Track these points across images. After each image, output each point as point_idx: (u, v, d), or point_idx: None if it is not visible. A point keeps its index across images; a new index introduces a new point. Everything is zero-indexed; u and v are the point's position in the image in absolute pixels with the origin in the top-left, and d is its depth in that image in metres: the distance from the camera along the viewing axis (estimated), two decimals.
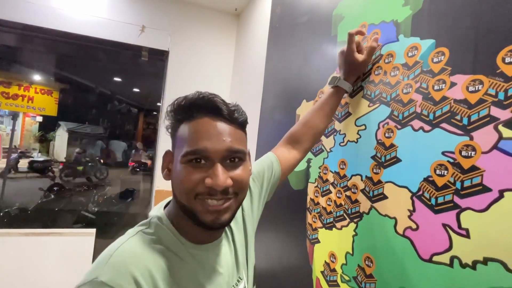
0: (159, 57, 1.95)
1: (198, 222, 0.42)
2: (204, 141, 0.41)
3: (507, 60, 0.45)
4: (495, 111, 0.46)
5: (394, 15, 0.68)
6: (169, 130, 0.47)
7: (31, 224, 3.09)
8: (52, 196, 3.84)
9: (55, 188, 4.05)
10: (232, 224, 0.55)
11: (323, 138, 0.90)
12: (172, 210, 0.47)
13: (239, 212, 0.59)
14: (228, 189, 0.41)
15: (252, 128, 1.50)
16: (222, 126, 0.42)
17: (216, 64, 1.99)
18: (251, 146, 1.50)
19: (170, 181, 0.46)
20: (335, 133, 0.84)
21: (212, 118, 0.42)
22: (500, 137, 0.45)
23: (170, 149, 0.48)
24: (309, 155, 0.95)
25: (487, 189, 0.46)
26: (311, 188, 0.93)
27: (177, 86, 1.90)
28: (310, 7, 1.07)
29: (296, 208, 0.99)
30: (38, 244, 1.62)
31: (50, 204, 3.65)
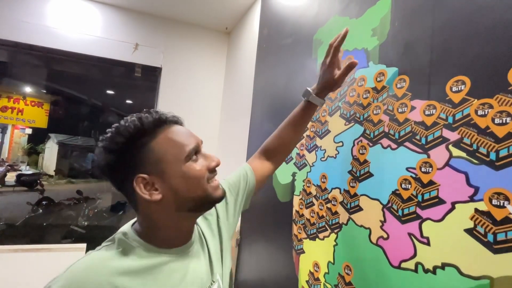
0: (152, 73, 2.01)
1: (212, 201, 0.51)
2: (192, 139, 0.50)
3: (454, 89, 0.52)
4: (446, 133, 0.53)
5: (364, 43, 0.76)
6: (126, 157, 0.45)
7: (19, 240, 3.01)
8: (41, 210, 3.76)
9: (43, 202, 3.97)
10: (206, 232, 0.60)
11: (306, 153, 0.96)
12: (143, 224, 0.49)
13: (214, 221, 0.64)
14: None
15: (243, 140, 1.56)
16: (185, 128, 0.52)
17: (207, 80, 2.06)
18: (242, 157, 1.55)
19: (158, 199, 0.46)
20: (316, 149, 0.90)
21: (175, 125, 0.51)
22: (451, 156, 0.51)
23: (139, 174, 0.45)
24: (294, 169, 1.01)
25: (442, 201, 0.52)
26: (296, 201, 0.98)
27: (169, 101, 1.95)
28: (294, 31, 1.15)
29: (283, 219, 1.04)
30: (27, 261, 1.60)
31: (39, 218, 3.57)
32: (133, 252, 0.46)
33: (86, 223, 3.33)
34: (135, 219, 0.53)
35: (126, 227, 0.51)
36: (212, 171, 0.51)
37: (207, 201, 0.50)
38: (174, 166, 0.47)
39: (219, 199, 0.52)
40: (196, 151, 0.50)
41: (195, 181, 0.48)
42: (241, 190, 0.70)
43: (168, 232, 0.49)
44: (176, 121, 0.51)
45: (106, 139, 0.46)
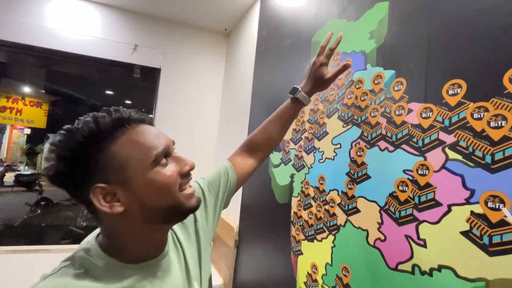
0: (151, 74, 2.01)
1: (185, 211, 0.45)
2: (160, 140, 0.43)
3: (450, 92, 0.53)
4: (443, 136, 0.53)
5: (362, 46, 0.76)
6: (79, 165, 0.39)
7: (17, 241, 3.01)
8: (39, 211, 3.76)
9: (42, 202, 3.97)
10: (182, 237, 0.55)
11: (304, 155, 0.96)
12: (107, 237, 0.43)
13: (191, 224, 0.59)
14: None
15: (241, 141, 1.56)
16: (154, 127, 0.45)
17: (206, 81, 2.06)
18: None
19: (121, 211, 0.40)
20: (314, 151, 0.91)
21: (141, 125, 0.43)
22: (447, 158, 0.52)
23: (96, 183, 0.39)
24: (293, 170, 1.01)
25: (438, 204, 0.52)
26: (294, 202, 0.99)
27: (168, 101, 1.95)
28: (292, 32, 1.16)
29: (281, 221, 1.04)
30: (25, 262, 1.59)
31: (37, 219, 3.57)
32: (99, 273, 0.40)
33: (84, 224, 3.33)
34: (98, 230, 0.46)
35: (90, 241, 0.44)
36: (186, 176, 0.45)
37: (179, 211, 0.44)
38: (139, 173, 0.40)
39: (193, 209, 0.46)
40: (166, 154, 0.43)
41: (164, 189, 0.41)
42: (221, 189, 0.66)
43: (137, 246, 0.43)
44: (143, 120, 0.44)
45: (56, 144, 0.39)
